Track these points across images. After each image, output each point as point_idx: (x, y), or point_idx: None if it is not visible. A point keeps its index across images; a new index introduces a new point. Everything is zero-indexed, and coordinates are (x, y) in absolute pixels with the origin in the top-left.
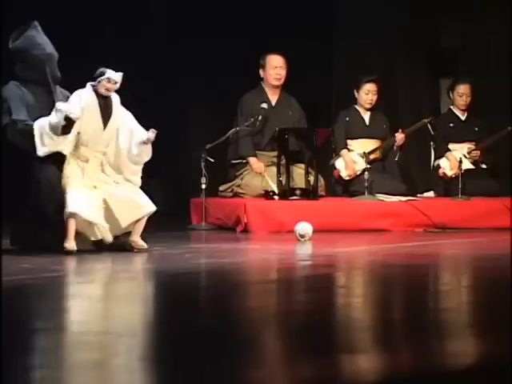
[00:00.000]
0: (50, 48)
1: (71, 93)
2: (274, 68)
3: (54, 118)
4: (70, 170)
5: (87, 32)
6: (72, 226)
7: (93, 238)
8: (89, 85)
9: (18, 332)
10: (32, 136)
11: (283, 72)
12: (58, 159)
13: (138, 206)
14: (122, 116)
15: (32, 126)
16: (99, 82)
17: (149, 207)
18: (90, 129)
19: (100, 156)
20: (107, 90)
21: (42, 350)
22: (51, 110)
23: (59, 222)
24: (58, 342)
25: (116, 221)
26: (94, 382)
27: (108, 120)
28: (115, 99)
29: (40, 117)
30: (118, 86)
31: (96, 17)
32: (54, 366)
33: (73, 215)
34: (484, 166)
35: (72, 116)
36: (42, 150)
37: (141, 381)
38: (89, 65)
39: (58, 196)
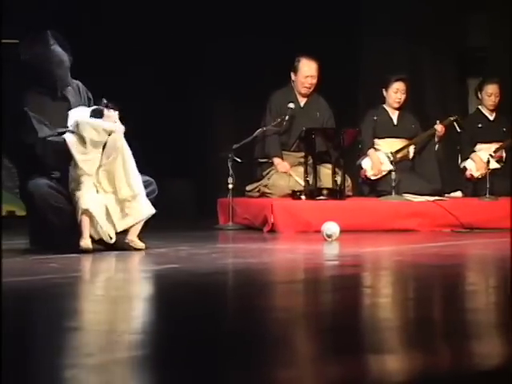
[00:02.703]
0: (60, 55)
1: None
2: (306, 77)
3: (94, 133)
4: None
5: (111, 30)
6: (86, 224)
7: (96, 237)
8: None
9: (46, 332)
10: (63, 150)
11: (314, 81)
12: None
13: (136, 211)
14: None
15: (62, 140)
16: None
17: (147, 211)
18: None
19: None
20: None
21: (69, 349)
22: (67, 117)
23: (71, 222)
24: (85, 342)
25: (111, 223)
26: (121, 382)
27: None
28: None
29: (54, 126)
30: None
31: (118, 18)
32: (82, 365)
33: (86, 212)
34: (498, 166)
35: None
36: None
37: (168, 381)
38: (113, 67)
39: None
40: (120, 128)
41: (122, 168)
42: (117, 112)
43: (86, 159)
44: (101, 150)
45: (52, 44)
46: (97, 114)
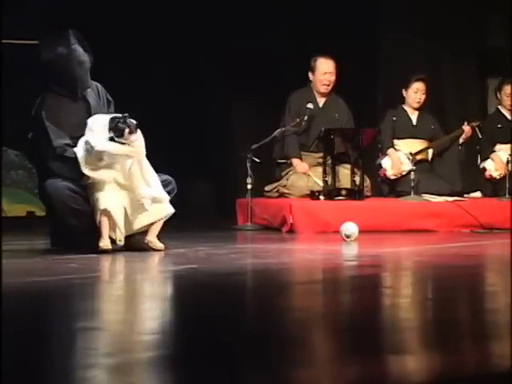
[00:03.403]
0: (81, 55)
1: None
2: (323, 74)
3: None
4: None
5: (131, 30)
6: (105, 225)
7: (113, 237)
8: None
9: (66, 332)
10: (74, 164)
11: (332, 78)
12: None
13: (155, 210)
14: None
15: (72, 153)
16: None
17: (166, 211)
18: None
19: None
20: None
21: (88, 349)
22: (86, 118)
23: (90, 223)
24: (104, 342)
25: (128, 222)
26: (140, 382)
27: None
28: None
29: (73, 129)
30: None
31: (137, 16)
32: (101, 365)
33: (105, 212)
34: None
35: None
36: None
37: (187, 381)
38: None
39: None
40: (139, 144)
41: (140, 171)
42: (138, 133)
43: (98, 173)
44: (117, 165)
45: (73, 44)
46: (116, 132)
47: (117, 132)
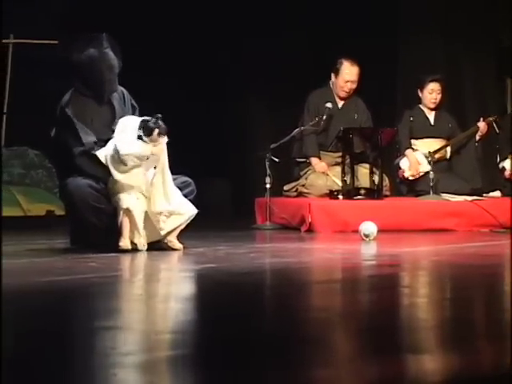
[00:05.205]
0: (112, 59)
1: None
2: (346, 82)
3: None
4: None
5: (152, 31)
6: (126, 224)
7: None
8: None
9: (86, 331)
10: (100, 163)
11: (354, 86)
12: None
13: (179, 214)
14: None
15: (99, 152)
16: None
17: (189, 213)
18: None
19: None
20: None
21: (106, 348)
22: (110, 122)
23: (111, 222)
24: (124, 341)
25: (155, 228)
26: (160, 381)
27: None
28: None
29: (96, 130)
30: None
31: (156, 18)
32: (121, 364)
33: (127, 211)
34: None
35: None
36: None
37: (206, 380)
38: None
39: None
40: (163, 145)
41: (162, 183)
42: (165, 137)
43: (124, 176)
44: (142, 168)
45: (106, 47)
46: (146, 131)
47: (146, 131)
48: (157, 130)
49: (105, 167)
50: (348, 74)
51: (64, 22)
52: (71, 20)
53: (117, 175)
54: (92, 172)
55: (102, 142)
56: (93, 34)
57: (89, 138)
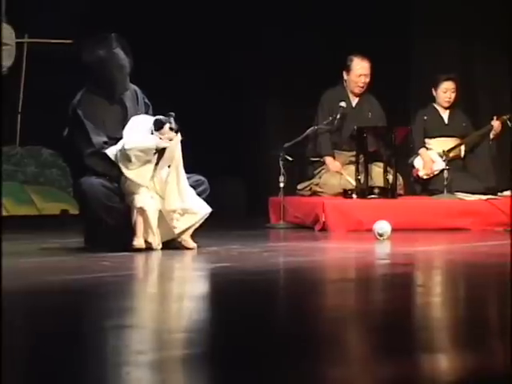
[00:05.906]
0: (122, 59)
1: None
2: (359, 76)
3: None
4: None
5: (165, 32)
6: (140, 223)
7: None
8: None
9: (99, 329)
10: (112, 162)
11: (367, 80)
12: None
13: (193, 213)
14: None
15: (110, 152)
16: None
17: (203, 212)
18: None
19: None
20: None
21: (122, 347)
22: (122, 121)
23: (124, 221)
24: (138, 340)
25: (169, 227)
26: (174, 380)
27: None
28: None
29: (108, 130)
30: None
31: (170, 19)
32: (134, 363)
33: (141, 210)
34: None
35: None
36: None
37: (220, 380)
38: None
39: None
40: (176, 141)
41: (176, 181)
42: (178, 134)
43: (134, 174)
44: (153, 164)
45: (115, 47)
46: (157, 125)
47: (157, 125)
48: (168, 125)
49: (116, 165)
50: (359, 68)
51: (79, 22)
52: (86, 20)
53: (126, 172)
54: (104, 171)
55: (114, 141)
56: (102, 34)
57: (99, 138)
